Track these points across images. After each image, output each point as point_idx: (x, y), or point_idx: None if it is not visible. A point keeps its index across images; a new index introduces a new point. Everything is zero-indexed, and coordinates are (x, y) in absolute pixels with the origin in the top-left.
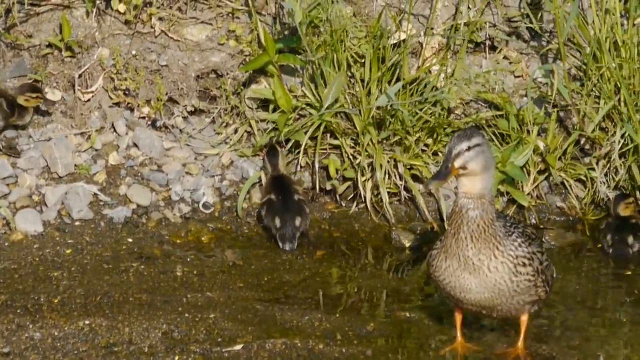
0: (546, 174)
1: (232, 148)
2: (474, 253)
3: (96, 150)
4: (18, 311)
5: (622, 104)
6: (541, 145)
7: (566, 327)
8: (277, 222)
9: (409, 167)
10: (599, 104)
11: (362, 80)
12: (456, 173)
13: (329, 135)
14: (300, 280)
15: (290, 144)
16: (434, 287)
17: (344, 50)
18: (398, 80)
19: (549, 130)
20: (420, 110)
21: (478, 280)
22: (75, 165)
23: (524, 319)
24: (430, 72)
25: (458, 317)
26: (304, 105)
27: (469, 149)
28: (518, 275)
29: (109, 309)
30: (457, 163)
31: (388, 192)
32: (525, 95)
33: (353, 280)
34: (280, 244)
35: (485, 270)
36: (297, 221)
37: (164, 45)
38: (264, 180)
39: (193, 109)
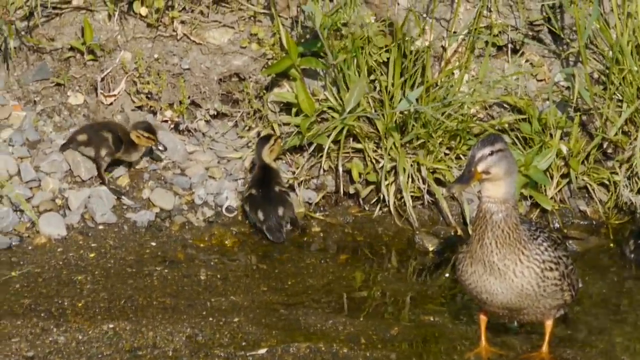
0: (569, 178)
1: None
2: (499, 258)
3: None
4: (42, 315)
5: None
6: (564, 149)
7: (590, 331)
8: (260, 215)
9: (432, 170)
10: (621, 107)
11: (385, 85)
12: (479, 177)
13: (351, 139)
14: (324, 284)
15: (312, 148)
16: (459, 290)
17: (364, 57)
18: (421, 83)
19: (571, 134)
20: (443, 114)
21: (504, 285)
22: None
23: (549, 323)
24: (453, 74)
25: (483, 321)
26: (326, 109)
27: (491, 153)
28: (545, 280)
29: (133, 312)
30: (480, 167)
31: (411, 196)
32: (548, 99)
33: (377, 284)
34: (269, 236)
35: (511, 275)
36: (280, 211)
37: (186, 49)
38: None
39: (216, 113)
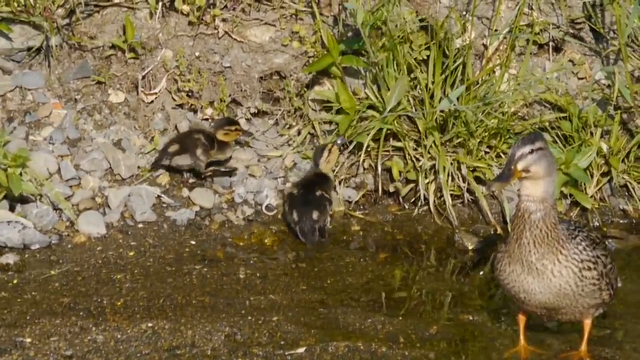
0: (609, 176)
1: (295, 150)
2: (537, 258)
3: (159, 152)
4: (81, 314)
5: None
6: (604, 147)
7: (628, 330)
8: (295, 215)
9: (472, 169)
10: None
11: (426, 83)
12: (519, 176)
13: (391, 137)
14: (363, 283)
15: (352, 146)
16: (498, 289)
17: (404, 55)
18: (461, 82)
19: (612, 132)
20: (483, 112)
21: (542, 284)
22: (139, 167)
23: (588, 322)
24: (494, 72)
25: (522, 321)
26: (366, 108)
27: (531, 152)
28: (583, 280)
29: (172, 311)
30: (520, 166)
31: (451, 195)
32: (588, 97)
33: (416, 283)
34: (301, 238)
35: (549, 274)
36: (315, 215)
37: (227, 47)
38: None
39: (256, 111)
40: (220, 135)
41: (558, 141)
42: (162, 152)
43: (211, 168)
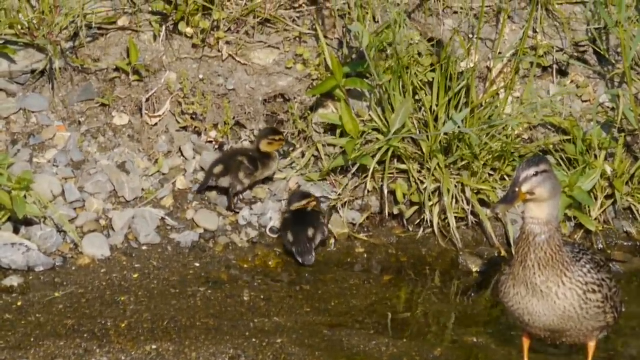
0: (613, 198)
1: (299, 172)
2: (541, 280)
3: (163, 174)
4: (85, 335)
5: None
6: (608, 169)
7: (632, 352)
8: (290, 237)
9: (476, 191)
10: None
11: (430, 106)
12: (523, 198)
13: (395, 159)
14: (367, 305)
15: (356, 168)
16: (501, 311)
17: (409, 77)
18: (465, 104)
19: (615, 154)
20: (487, 135)
21: (547, 306)
22: (142, 189)
23: (592, 344)
24: (498, 95)
25: (525, 343)
26: (370, 130)
27: (536, 174)
28: (588, 302)
29: (176, 333)
30: (525, 188)
31: (455, 217)
32: (592, 120)
33: (420, 305)
34: (299, 259)
35: (554, 297)
36: (310, 232)
37: (231, 69)
38: None
39: None
40: (263, 145)
41: (562, 164)
42: (208, 173)
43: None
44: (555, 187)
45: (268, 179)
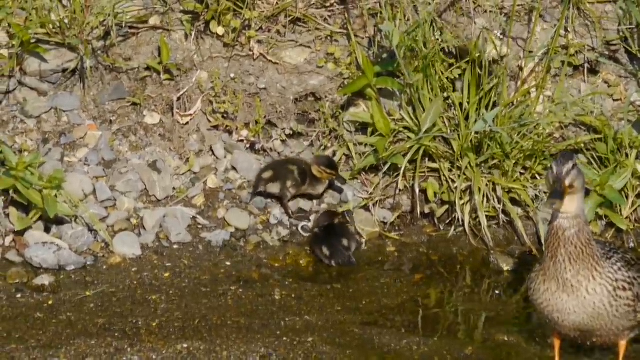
0: None
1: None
2: (572, 275)
3: (194, 173)
4: (116, 335)
5: None
6: None
7: None
8: (326, 250)
9: (507, 190)
10: None
11: (460, 104)
12: (567, 192)
13: (427, 158)
14: (398, 304)
15: (387, 167)
16: (533, 310)
17: (439, 76)
18: (496, 103)
19: None
20: (518, 134)
21: (576, 302)
22: (174, 188)
23: (623, 343)
24: (529, 94)
25: (557, 344)
26: (401, 129)
27: (574, 167)
28: (618, 300)
29: (207, 332)
30: (568, 181)
31: (486, 216)
32: (624, 119)
33: (451, 304)
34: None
35: (584, 292)
36: (345, 242)
37: (262, 69)
38: None
39: (291, 132)
40: (314, 171)
41: (593, 162)
42: (257, 179)
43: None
44: (584, 181)
45: (314, 197)
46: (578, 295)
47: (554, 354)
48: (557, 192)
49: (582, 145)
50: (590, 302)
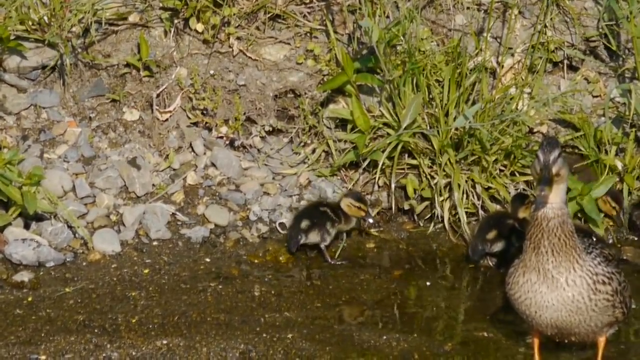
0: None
1: (310, 168)
2: (554, 266)
3: (174, 169)
4: (96, 331)
5: None
6: (619, 165)
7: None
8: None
9: (486, 187)
10: None
11: (441, 101)
12: (554, 180)
13: (406, 155)
14: (378, 300)
15: (367, 163)
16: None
17: (422, 74)
18: (476, 100)
19: (627, 150)
20: (497, 131)
21: (555, 294)
22: (153, 184)
23: (602, 339)
24: (511, 91)
25: (536, 342)
26: (381, 125)
27: (559, 155)
28: (597, 294)
29: (187, 328)
30: (554, 169)
31: (466, 212)
32: (603, 115)
33: (430, 300)
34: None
35: (564, 283)
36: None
37: (242, 65)
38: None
39: (271, 129)
40: (343, 205)
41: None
42: (295, 229)
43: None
44: (568, 172)
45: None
46: (557, 286)
47: (533, 351)
48: (546, 180)
49: (562, 141)
50: (569, 295)
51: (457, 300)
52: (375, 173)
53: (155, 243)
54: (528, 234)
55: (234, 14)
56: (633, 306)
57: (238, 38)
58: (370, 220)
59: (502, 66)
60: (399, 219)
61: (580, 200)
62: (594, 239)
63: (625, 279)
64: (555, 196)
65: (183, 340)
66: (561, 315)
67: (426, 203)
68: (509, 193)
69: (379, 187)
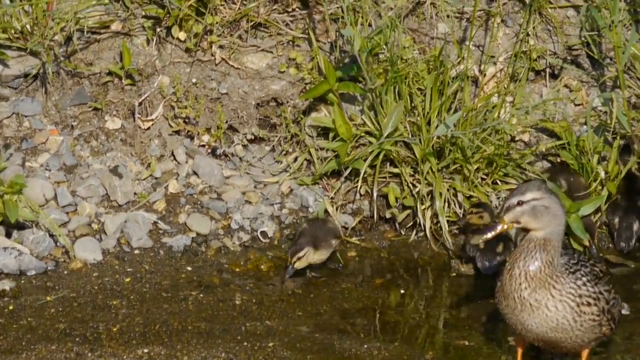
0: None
1: (292, 176)
2: (529, 293)
3: (156, 178)
4: (77, 340)
5: None
6: (602, 173)
7: (624, 355)
8: None
9: (468, 195)
10: None
11: (423, 109)
12: (510, 227)
13: (388, 163)
14: (359, 309)
15: (348, 172)
16: (494, 314)
17: (402, 81)
18: (458, 108)
19: (609, 157)
20: (479, 139)
21: (539, 320)
22: (135, 193)
23: (586, 351)
24: (493, 99)
25: (519, 352)
26: (363, 134)
27: (520, 204)
28: (582, 315)
29: (168, 337)
30: (507, 218)
31: (447, 221)
32: (585, 124)
33: (412, 309)
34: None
35: (544, 309)
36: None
37: (224, 73)
38: None
39: (253, 137)
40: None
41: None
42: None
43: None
44: (547, 216)
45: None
46: (539, 313)
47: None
48: (489, 227)
49: (544, 150)
50: (553, 319)
51: (438, 309)
52: (357, 181)
53: (136, 252)
54: (513, 250)
55: (217, 23)
56: (627, 312)
57: (220, 46)
58: (288, 271)
59: (485, 74)
60: (381, 228)
61: (568, 217)
62: (586, 256)
63: (616, 295)
64: (537, 233)
65: (164, 349)
66: (547, 334)
67: (408, 211)
68: (491, 202)
69: (360, 195)
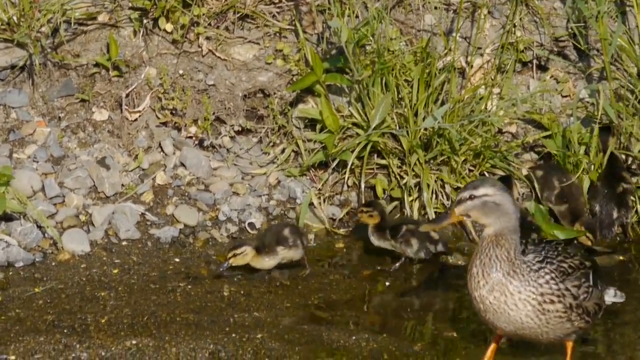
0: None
1: (280, 168)
2: (487, 291)
3: (143, 169)
4: (65, 331)
5: None
6: (585, 162)
7: (612, 347)
8: None
9: (455, 187)
10: None
11: (410, 101)
12: (460, 219)
13: (376, 155)
14: (347, 300)
15: (336, 163)
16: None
17: (392, 74)
18: (446, 100)
19: (591, 146)
20: (466, 131)
21: (504, 318)
22: (123, 185)
23: (570, 343)
24: (480, 91)
25: (493, 346)
26: (350, 125)
27: (471, 198)
28: (546, 313)
29: (156, 329)
30: (458, 210)
31: (435, 212)
32: (572, 115)
33: (400, 300)
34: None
35: (506, 308)
36: None
37: (211, 65)
38: None
39: (240, 129)
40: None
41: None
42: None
43: None
44: (496, 213)
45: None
46: (502, 312)
47: (486, 350)
48: (440, 217)
49: (531, 141)
50: (516, 318)
51: (426, 300)
52: (345, 173)
53: (124, 243)
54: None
55: (203, 14)
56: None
57: (207, 38)
58: (223, 265)
59: (472, 66)
60: None
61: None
62: (560, 248)
63: (589, 287)
64: (488, 229)
65: (152, 340)
66: (518, 331)
67: (395, 203)
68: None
69: (348, 187)
